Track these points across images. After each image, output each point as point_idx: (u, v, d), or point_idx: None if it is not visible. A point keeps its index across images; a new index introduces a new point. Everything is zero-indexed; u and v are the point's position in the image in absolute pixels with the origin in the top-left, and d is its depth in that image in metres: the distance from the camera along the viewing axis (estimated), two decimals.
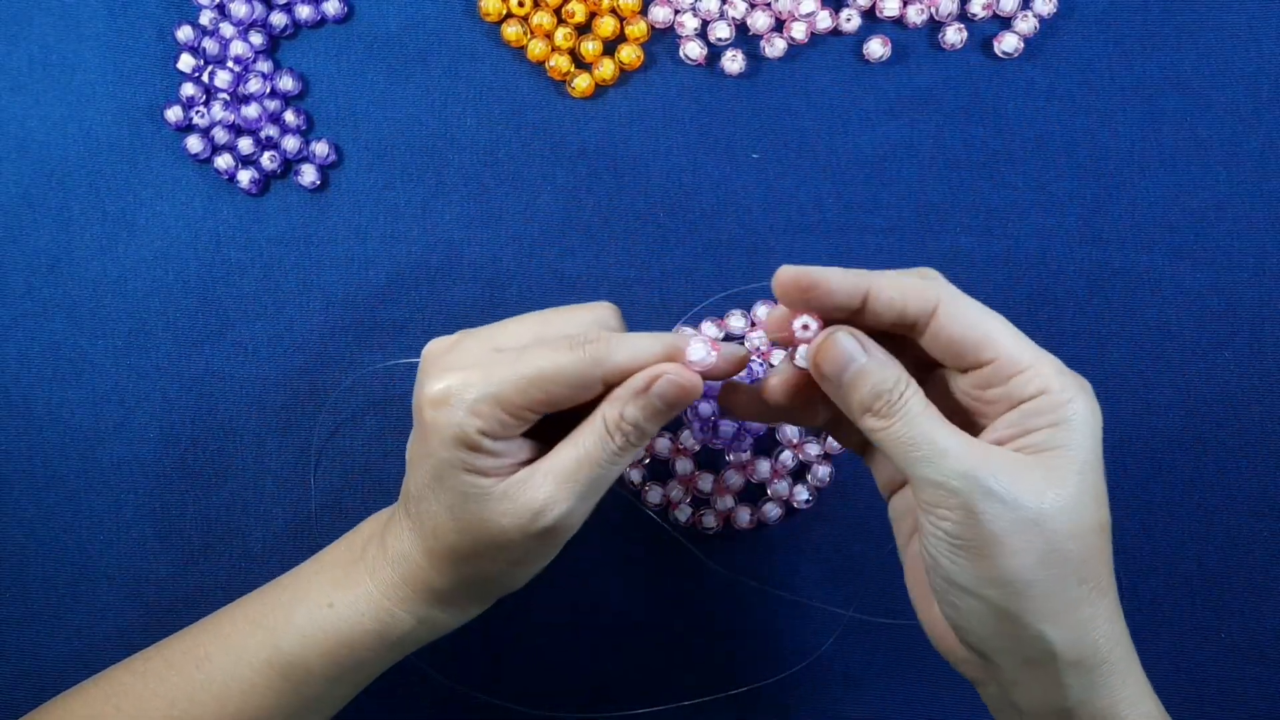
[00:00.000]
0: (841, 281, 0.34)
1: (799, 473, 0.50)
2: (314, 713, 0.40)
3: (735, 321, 0.50)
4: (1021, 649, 0.32)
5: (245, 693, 0.39)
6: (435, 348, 0.37)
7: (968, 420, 0.35)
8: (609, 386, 0.36)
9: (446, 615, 0.40)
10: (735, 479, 0.49)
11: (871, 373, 0.33)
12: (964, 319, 0.33)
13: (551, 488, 0.36)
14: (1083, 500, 0.32)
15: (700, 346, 0.36)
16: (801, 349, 0.36)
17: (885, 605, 0.50)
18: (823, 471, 0.49)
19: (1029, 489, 0.31)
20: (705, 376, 0.37)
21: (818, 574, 0.50)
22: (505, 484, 0.36)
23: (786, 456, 0.49)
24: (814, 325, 0.35)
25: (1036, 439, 0.32)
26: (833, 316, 0.35)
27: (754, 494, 0.50)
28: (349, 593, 0.39)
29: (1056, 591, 0.32)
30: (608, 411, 0.36)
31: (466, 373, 0.35)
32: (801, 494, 0.49)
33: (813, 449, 0.49)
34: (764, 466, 0.49)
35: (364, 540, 0.40)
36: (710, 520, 0.49)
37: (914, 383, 0.34)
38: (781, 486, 0.49)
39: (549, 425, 0.38)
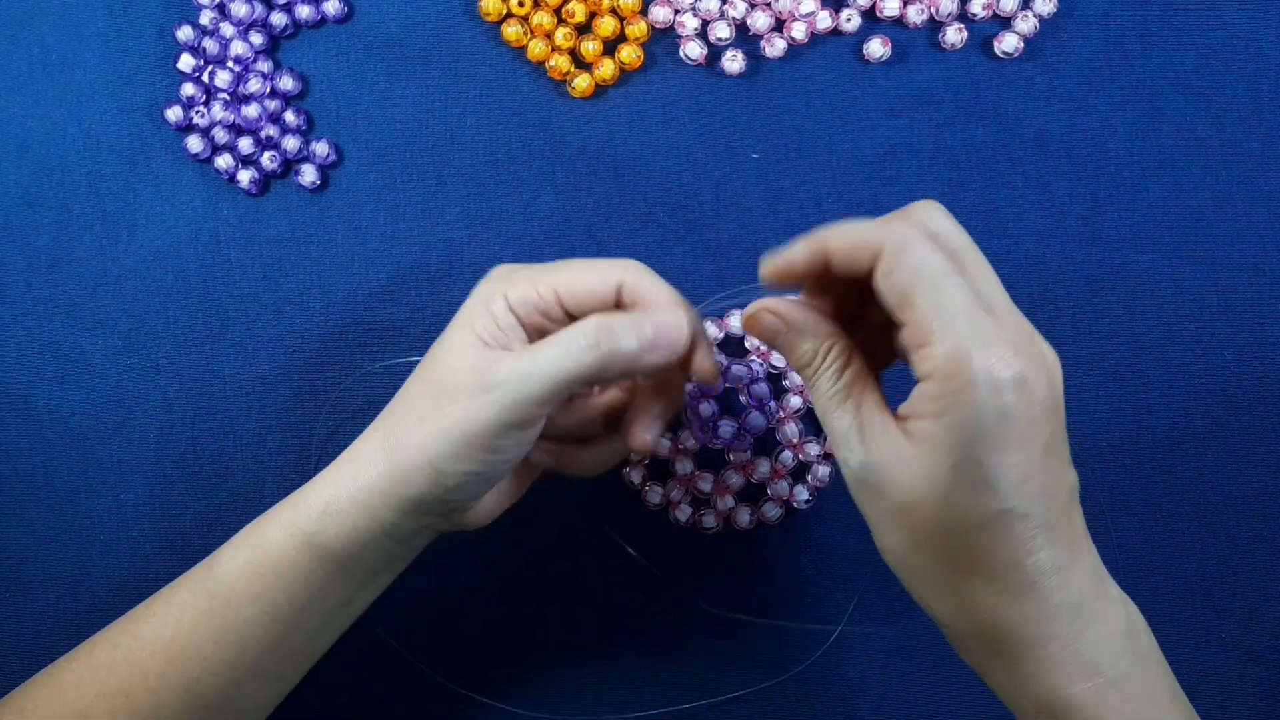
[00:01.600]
0: (802, 254, 0.35)
1: (799, 473, 0.50)
2: (249, 649, 0.39)
3: (735, 322, 0.50)
4: (931, 614, 0.34)
5: (177, 620, 0.39)
6: (497, 270, 0.40)
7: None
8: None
9: (361, 501, 0.38)
10: (735, 479, 0.49)
11: (792, 346, 0.36)
12: (895, 271, 0.32)
13: (514, 359, 0.37)
14: (955, 496, 0.31)
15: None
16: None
17: (887, 604, 0.50)
18: (823, 471, 0.49)
19: (900, 480, 0.32)
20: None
21: (818, 574, 0.50)
22: (490, 351, 0.37)
23: (786, 456, 0.49)
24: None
25: (920, 426, 0.32)
26: (827, 287, 0.37)
27: (754, 494, 0.50)
28: (281, 504, 0.39)
29: (934, 573, 0.33)
30: (600, 314, 0.38)
31: (518, 265, 0.40)
32: (802, 494, 0.49)
33: (813, 449, 0.49)
34: (764, 466, 0.49)
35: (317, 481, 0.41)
36: (710, 520, 0.49)
37: (835, 354, 0.35)
38: (781, 487, 0.49)
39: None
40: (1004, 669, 0.33)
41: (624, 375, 0.38)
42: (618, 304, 0.39)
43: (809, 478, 0.50)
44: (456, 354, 0.38)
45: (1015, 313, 0.33)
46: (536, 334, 0.39)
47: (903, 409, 0.33)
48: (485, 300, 0.38)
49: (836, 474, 0.50)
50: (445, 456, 0.37)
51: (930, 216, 0.33)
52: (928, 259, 0.32)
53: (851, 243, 0.33)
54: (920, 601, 0.35)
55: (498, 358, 0.37)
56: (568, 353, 0.36)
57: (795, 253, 0.35)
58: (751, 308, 0.37)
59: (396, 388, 0.49)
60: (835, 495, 0.50)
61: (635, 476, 0.50)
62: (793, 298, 0.37)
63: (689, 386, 0.48)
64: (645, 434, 0.41)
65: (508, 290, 0.38)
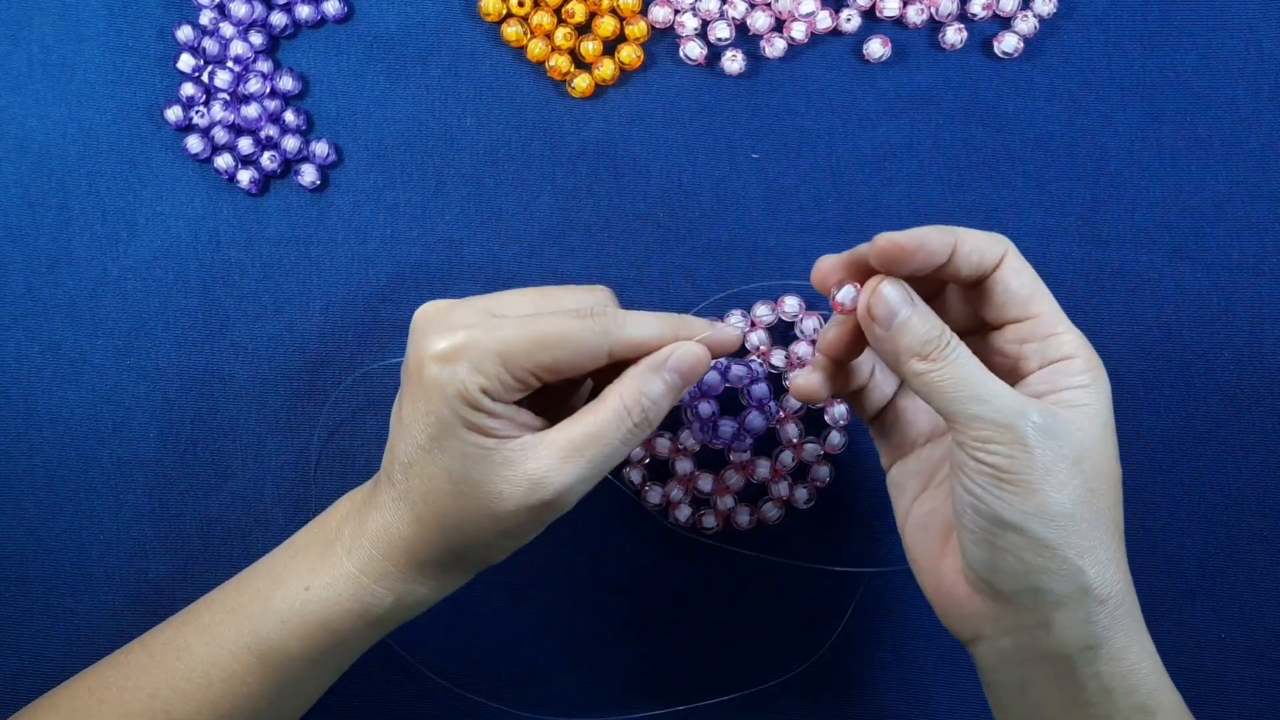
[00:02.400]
0: (937, 238, 0.35)
1: (799, 473, 0.50)
2: (297, 695, 0.41)
3: (735, 321, 0.50)
4: (1059, 584, 0.34)
5: (226, 680, 0.39)
6: (431, 309, 0.37)
7: (1000, 375, 0.36)
8: (613, 362, 0.37)
9: (426, 589, 0.39)
10: (735, 479, 0.49)
11: (921, 320, 0.35)
12: (1023, 274, 0.36)
13: (555, 459, 0.36)
14: (1108, 451, 0.35)
15: (850, 290, 0.37)
16: (847, 298, 0.37)
17: (886, 604, 0.50)
18: (823, 472, 0.49)
19: (1074, 428, 0.34)
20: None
21: (817, 574, 0.50)
22: (508, 448, 0.36)
23: (786, 457, 0.49)
24: (855, 290, 0.37)
25: (1068, 396, 0.35)
26: (915, 274, 0.36)
27: (754, 494, 0.50)
28: (326, 574, 0.39)
29: (1092, 529, 0.34)
30: (625, 388, 0.37)
31: (471, 331, 0.36)
32: (801, 494, 0.49)
33: (812, 449, 0.49)
34: (764, 467, 0.49)
35: (339, 520, 0.40)
36: (710, 520, 0.49)
37: (950, 330, 0.36)
38: (781, 487, 0.49)
39: (541, 403, 0.39)
40: (1128, 638, 0.34)
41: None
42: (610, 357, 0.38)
43: (809, 478, 0.50)
44: (476, 461, 0.36)
45: None
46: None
47: (1033, 387, 0.35)
48: (464, 399, 0.35)
49: (836, 475, 0.50)
50: (504, 551, 0.39)
51: (1004, 238, 0.38)
52: (1032, 269, 0.37)
53: (978, 245, 0.36)
54: (1066, 567, 0.33)
55: (529, 459, 0.36)
56: (613, 438, 0.37)
57: (929, 236, 0.35)
58: (873, 283, 0.36)
59: (397, 388, 0.49)
60: (835, 495, 0.50)
61: (635, 477, 0.50)
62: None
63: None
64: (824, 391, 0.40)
65: (484, 385, 0.35)
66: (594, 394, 0.39)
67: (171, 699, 0.39)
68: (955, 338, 0.35)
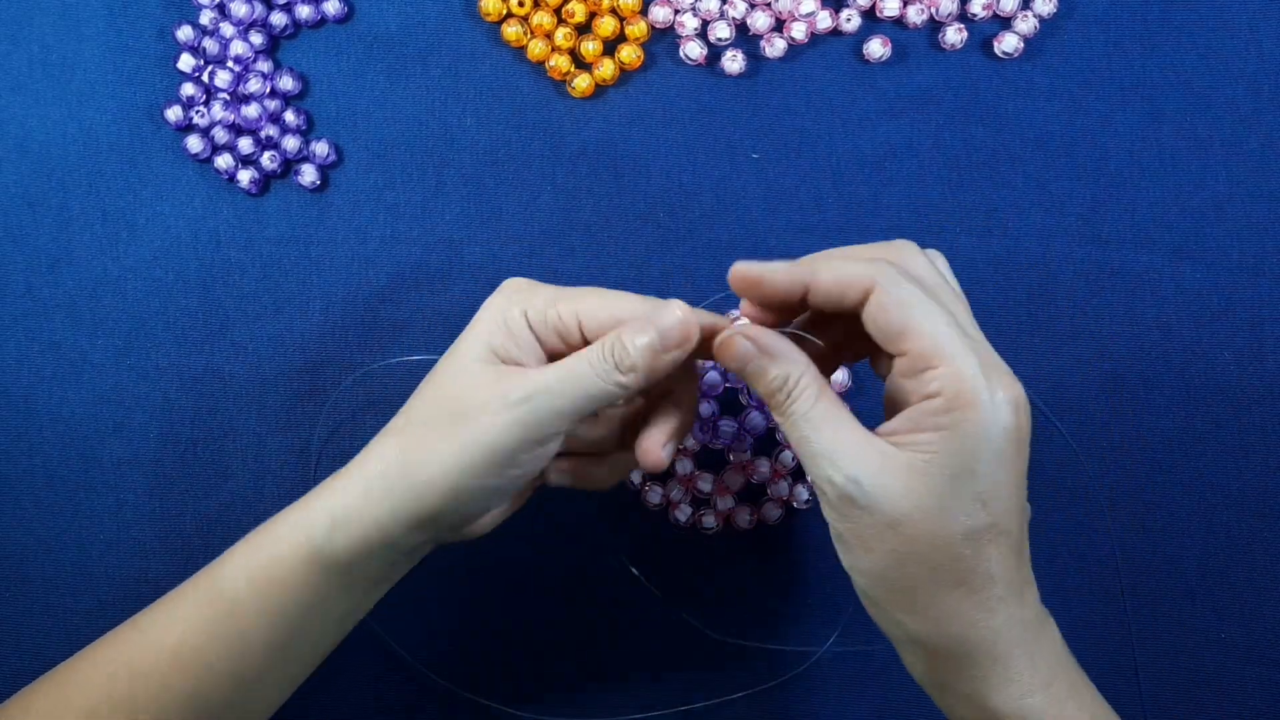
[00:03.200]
0: (784, 277, 0.36)
1: (799, 473, 0.50)
2: (255, 656, 0.39)
3: (735, 321, 0.50)
4: (891, 629, 0.36)
5: (183, 628, 0.38)
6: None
7: (896, 407, 0.36)
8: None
9: (365, 523, 0.37)
10: (735, 479, 0.49)
11: (764, 371, 0.36)
12: (891, 307, 0.34)
13: (536, 372, 0.37)
14: (949, 508, 0.33)
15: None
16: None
17: None
18: None
19: (891, 494, 0.33)
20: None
21: (817, 574, 0.50)
22: (507, 369, 0.37)
23: (786, 457, 0.49)
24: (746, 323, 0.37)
25: (921, 439, 0.33)
26: (783, 306, 0.37)
27: (754, 494, 0.50)
28: (286, 511, 0.39)
29: (913, 587, 0.34)
30: (609, 336, 0.38)
31: (535, 282, 0.39)
32: (802, 494, 0.49)
33: None
34: (764, 467, 0.49)
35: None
36: (710, 520, 0.49)
37: (809, 379, 0.35)
38: (781, 487, 0.49)
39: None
40: (970, 682, 0.34)
41: (647, 386, 0.38)
42: None
43: (809, 478, 0.50)
44: (474, 370, 0.37)
45: (990, 348, 0.35)
46: (551, 357, 0.39)
47: (888, 427, 0.34)
48: (501, 315, 0.38)
49: None
50: (466, 474, 0.37)
51: (908, 257, 0.36)
52: (916, 294, 0.34)
53: (839, 280, 0.35)
54: (889, 621, 0.35)
55: (519, 374, 0.37)
56: (593, 370, 0.37)
57: (776, 272, 0.36)
58: (724, 334, 0.37)
59: (397, 388, 0.49)
60: None
61: (635, 477, 0.50)
62: (762, 328, 0.37)
63: None
64: (659, 451, 0.40)
65: (526, 308, 0.38)
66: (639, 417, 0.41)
67: (130, 683, 0.38)
68: (800, 387, 0.35)
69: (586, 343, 0.38)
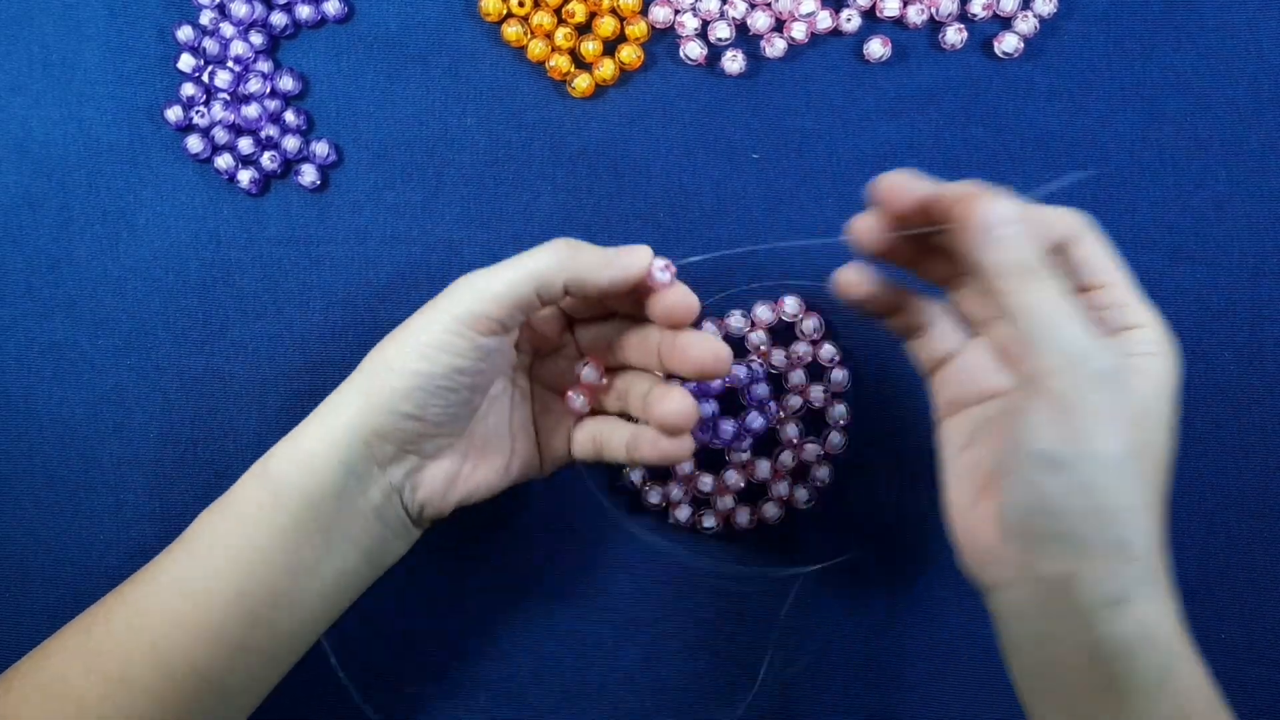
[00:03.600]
0: (960, 192, 0.36)
1: (799, 473, 0.50)
2: (215, 609, 0.38)
3: (735, 321, 0.50)
4: (1094, 534, 0.33)
5: (160, 599, 0.38)
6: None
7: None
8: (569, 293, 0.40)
9: (319, 434, 0.39)
10: (735, 479, 0.49)
11: (1023, 238, 0.34)
12: (1102, 249, 0.37)
13: (485, 273, 0.39)
14: (1163, 423, 0.35)
15: (661, 266, 0.39)
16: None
17: (885, 604, 0.50)
18: (823, 472, 0.49)
19: (1135, 387, 0.35)
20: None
21: (816, 575, 0.50)
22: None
23: (786, 457, 0.49)
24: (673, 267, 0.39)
25: (1135, 362, 0.35)
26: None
27: (754, 494, 0.50)
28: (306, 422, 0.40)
29: (1135, 488, 0.34)
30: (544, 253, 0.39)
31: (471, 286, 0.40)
32: (801, 494, 0.49)
33: (813, 449, 0.49)
34: (764, 467, 0.49)
35: None
36: (710, 520, 0.49)
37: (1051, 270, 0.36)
38: (782, 487, 0.49)
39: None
40: (1152, 603, 0.34)
41: (584, 292, 0.39)
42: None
43: (809, 478, 0.50)
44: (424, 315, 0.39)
45: None
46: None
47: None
48: (459, 297, 0.39)
49: (836, 474, 0.50)
50: (404, 358, 0.38)
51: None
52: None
53: (1057, 220, 0.37)
54: (1103, 517, 0.33)
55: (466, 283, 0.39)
56: (528, 259, 0.38)
57: (959, 190, 0.36)
58: (986, 194, 0.35)
59: None
60: (835, 495, 0.50)
61: (635, 477, 0.50)
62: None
63: (690, 386, 0.48)
64: (679, 404, 0.40)
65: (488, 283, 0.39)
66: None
67: (153, 624, 0.38)
68: (1049, 266, 0.35)
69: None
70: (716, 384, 0.48)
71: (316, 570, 0.39)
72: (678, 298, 0.40)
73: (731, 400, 0.49)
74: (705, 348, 0.40)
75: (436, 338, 0.38)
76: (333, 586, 0.40)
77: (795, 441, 0.49)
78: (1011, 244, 0.34)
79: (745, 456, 0.49)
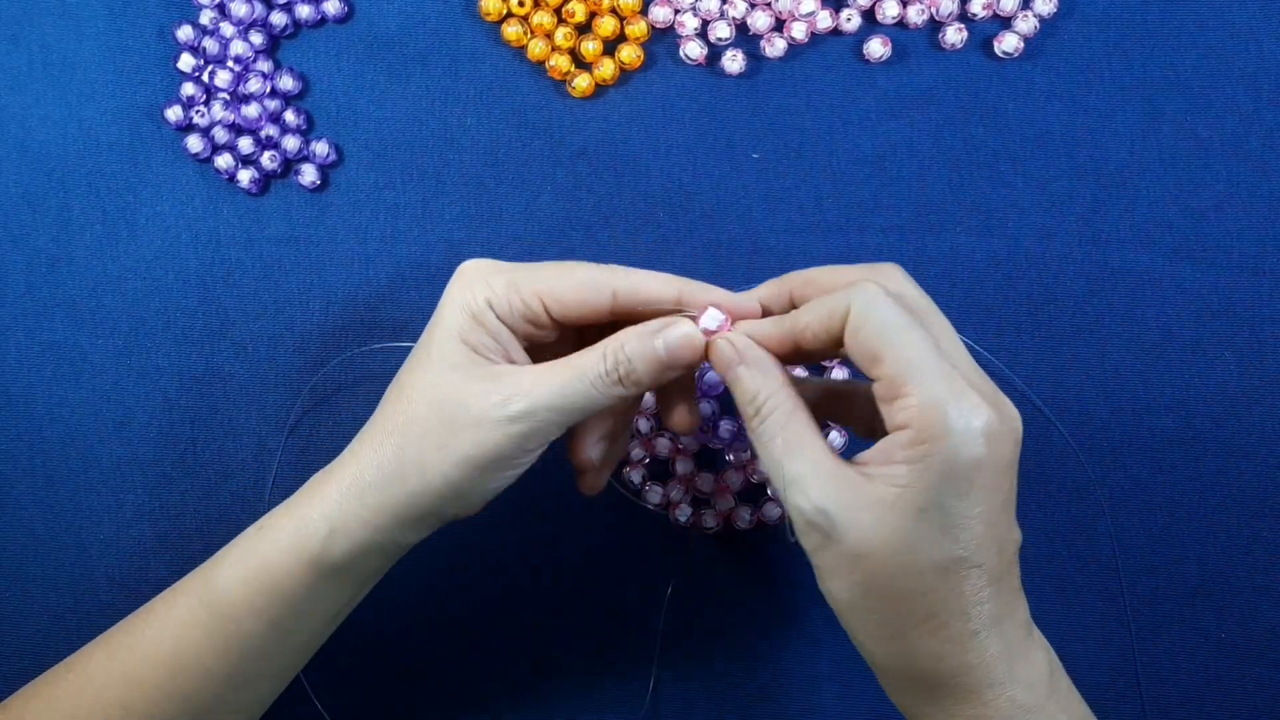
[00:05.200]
0: (768, 292, 0.38)
1: None
2: (251, 658, 0.39)
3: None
4: (868, 657, 0.35)
5: (177, 634, 0.38)
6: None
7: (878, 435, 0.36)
8: (616, 317, 0.38)
9: (366, 529, 0.37)
10: (735, 479, 0.49)
11: (741, 379, 0.36)
12: (866, 331, 0.33)
13: (531, 380, 0.36)
14: (916, 543, 0.32)
15: (716, 314, 0.37)
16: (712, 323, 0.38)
17: None
18: None
19: (859, 526, 0.33)
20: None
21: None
22: (493, 366, 0.37)
23: None
24: (722, 319, 0.37)
25: (890, 471, 0.33)
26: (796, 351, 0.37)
27: (754, 494, 0.50)
28: (279, 515, 0.39)
29: (880, 619, 0.34)
30: (611, 339, 0.37)
31: (490, 262, 0.38)
32: None
33: None
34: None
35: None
36: (710, 520, 0.49)
37: (782, 398, 0.35)
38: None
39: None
40: (940, 713, 0.34)
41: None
42: (612, 312, 0.38)
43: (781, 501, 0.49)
44: (460, 371, 0.37)
45: (978, 370, 0.34)
46: (524, 341, 0.39)
47: (864, 456, 0.34)
48: (468, 308, 0.37)
49: None
50: (468, 481, 0.37)
51: (890, 278, 0.36)
52: (894, 316, 0.33)
53: (820, 317, 0.35)
54: (860, 646, 0.35)
55: (511, 378, 0.36)
56: (585, 377, 0.36)
57: (755, 295, 0.38)
58: (715, 337, 0.37)
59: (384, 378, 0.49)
60: None
61: (635, 477, 0.50)
62: (748, 335, 0.37)
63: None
64: (589, 452, 0.41)
65: (490, 297, 0.37)
66: None
67: (128, 658, 0.38)
68: (772, 405, 0.35)
69: (554, 321, 0.38)
70: (716, 384, 0.48)
71: (272, 660, 0.39)
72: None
73: (732, 400, 0.49)
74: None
75: (507, 463, 0.37)
76: (292, 664, 0.41)
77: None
78: (734, 387, 0.36)
79: (745, 456, 0.49)
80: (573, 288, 0.37)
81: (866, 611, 0.34)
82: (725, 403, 0.50)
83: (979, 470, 0.32)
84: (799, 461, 0.34)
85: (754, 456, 0.49)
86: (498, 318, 0.37)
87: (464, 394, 0.36)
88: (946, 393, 0.32)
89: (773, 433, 0.35)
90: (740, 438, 0.48)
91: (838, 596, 0.34)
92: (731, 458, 0.49)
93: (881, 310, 0.33)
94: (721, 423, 0.47)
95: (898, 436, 0.33)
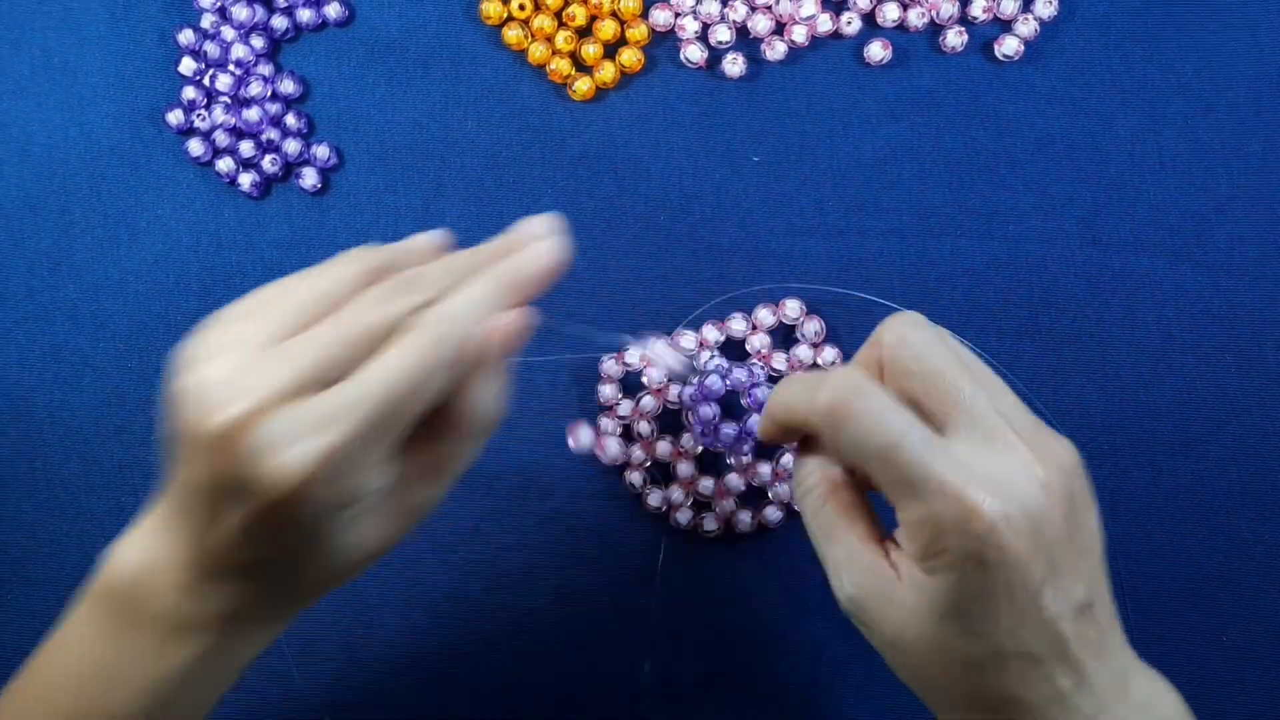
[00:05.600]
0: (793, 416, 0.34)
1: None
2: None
3: (736, 325, 0.50)
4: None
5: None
6: (207, 372, 0.30)
7: None
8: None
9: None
10: (736, 482, 0.49)
11: (798, 463, 0.35)
12: (844, 447, 0.31)
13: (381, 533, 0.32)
14: (945, 639, 0.31)
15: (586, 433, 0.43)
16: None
17: None
18: None
19: (889, 621, 0.32)
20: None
21: (820, 576, 0.50)
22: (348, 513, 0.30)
23: (788, 460, 0.49)
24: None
25: (909, 571, 0.31)
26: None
27: (755, 497, 0.50)
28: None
29: (936, 696, 0.33)
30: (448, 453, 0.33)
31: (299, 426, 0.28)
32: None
33: None
34: (765, 469, 0.49)
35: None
36: (711, 524, 0.49)
37: (818, 478, 0.34)
38: (783, 489, 0.49)
39: None
40: None
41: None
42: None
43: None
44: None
45: (1020, 413, 0.31)
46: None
47: (896, 538, 0.32)
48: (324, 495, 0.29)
49: None
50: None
51: (898, 338, 0.32)
52: (867, 426, 0.30)
53: (795, 421, 0.33)
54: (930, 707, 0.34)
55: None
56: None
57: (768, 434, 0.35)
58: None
59: None
60: None
61: (636, 479, 0.50)
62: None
63: (690, 390, 0.48)
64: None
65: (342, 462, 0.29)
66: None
67: None
68: (810, 487, 0.34)
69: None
70: (718, 386, 0.48)
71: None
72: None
73: (733, 403, 0.49)
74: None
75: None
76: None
77: (797, 444, 0.49)
78: (857, 420, 0.31)
79: (746, 460, 0.49)
80: (418, 401, 0.30)
81: (920, 687, 0.33)
82: (727, 406, 0.50)
83: (991, 569, 0.29)
84: (835, 547, 0.33)
85: (755, 459, 0.49)
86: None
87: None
88: (942, 494, 0.29)
89: (811, 511, 0.34)
90: (742, 440, 0.48)
91: (894, 668, 0.33)
92: (733, 461, 0.49)
93: (855, 422, 0.31)
94: (723, 426, 0.47)
95: (906, 534, 0.31)
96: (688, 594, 0.50)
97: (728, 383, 0.48)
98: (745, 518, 0.49)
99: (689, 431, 0.49)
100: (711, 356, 0.49)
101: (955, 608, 0.30)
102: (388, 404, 0.29)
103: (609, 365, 0.50)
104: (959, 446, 0.30)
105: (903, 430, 0.30)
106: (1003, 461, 0.30)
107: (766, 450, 0.50)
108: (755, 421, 0.48)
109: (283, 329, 0.32)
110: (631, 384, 0.50)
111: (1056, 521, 0.30)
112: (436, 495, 0.33)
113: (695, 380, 0.48)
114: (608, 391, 0.50)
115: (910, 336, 0.32)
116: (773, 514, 0.49)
